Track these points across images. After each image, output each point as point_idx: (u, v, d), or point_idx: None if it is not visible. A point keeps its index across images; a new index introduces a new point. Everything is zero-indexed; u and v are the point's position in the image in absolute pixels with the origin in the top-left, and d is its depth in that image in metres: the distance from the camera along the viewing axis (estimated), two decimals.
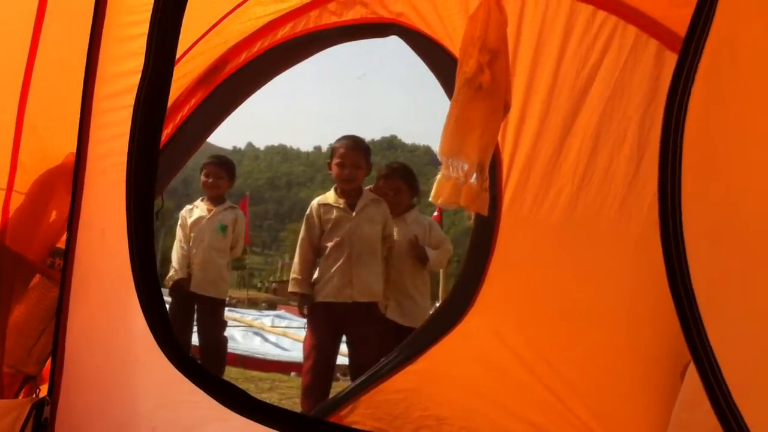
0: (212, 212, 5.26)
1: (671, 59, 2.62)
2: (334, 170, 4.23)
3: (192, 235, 5.20)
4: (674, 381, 2.30)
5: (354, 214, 4.17)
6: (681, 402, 1.87)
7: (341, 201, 4.21)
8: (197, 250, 5.16)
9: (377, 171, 4.65)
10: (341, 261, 4.07)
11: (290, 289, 4.32)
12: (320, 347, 4.07)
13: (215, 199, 5.34)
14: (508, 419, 2.94)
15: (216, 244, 5.22)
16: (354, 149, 4.25)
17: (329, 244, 4.12)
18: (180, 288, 5.12)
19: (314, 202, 4.30)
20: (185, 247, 5.20)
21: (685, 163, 1.40)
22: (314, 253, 4.21)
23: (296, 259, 4.28)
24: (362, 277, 4.09)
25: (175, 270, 5.16)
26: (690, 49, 1.41)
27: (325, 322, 4.11)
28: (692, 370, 1.56)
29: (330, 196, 4.27)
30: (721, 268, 1.46)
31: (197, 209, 5.30)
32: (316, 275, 4.16)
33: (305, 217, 4.27)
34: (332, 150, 4.34)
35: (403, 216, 4.48)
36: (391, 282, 4.31)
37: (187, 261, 5.16)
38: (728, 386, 1.35)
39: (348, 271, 4.07)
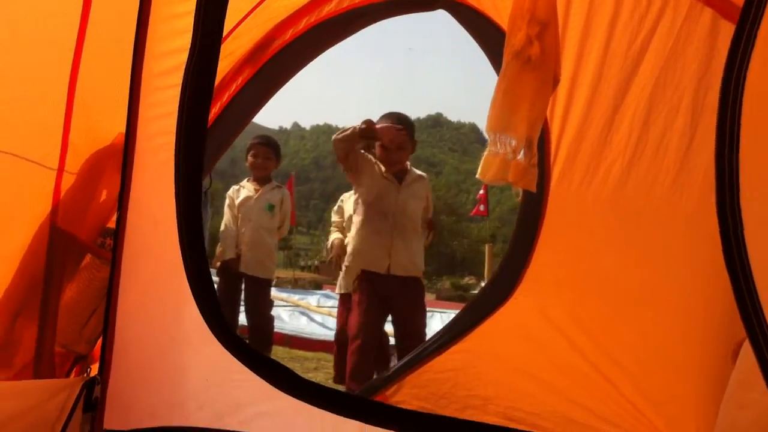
0: (259, 192, 5.29)
1: (727, 28, 2.54)
2: (378, 151, 4.16)
3: (240, 215, 5.24)
4: (726, 361, 2.25)
5: (401, 186, 4.13)
6: (735, 382, 1.82)
7: (389, 174, 4.14)
8: (246, 230, 5.20)
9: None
10: (384, 232, 4.04)
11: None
12: (368, 326, 4.01)
13: (262, 179, 5.37)
14: (554, 399, 2.92)
15: (264, 224, 5.26)
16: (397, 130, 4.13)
17: (375, 214, 4.08)
18: (228, 268, 5.17)
19: None
20: (233, 228, 5.24)
21: (744, 135, 1.36)
22: None
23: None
24: (408, 250, 4.07)
25: (224, 250, 5.21)
26: (749, 15, 1.37)
27: (374, 300, 4.05)
28: (746, 350, 1.52)
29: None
30: None
31: (244, 189, 5.34)
32: (353, 245, 4.15)
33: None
34: None
35: None
36: None
37: (235, 241, 5.20)
38: None
39: (389, 244, 4.03)
